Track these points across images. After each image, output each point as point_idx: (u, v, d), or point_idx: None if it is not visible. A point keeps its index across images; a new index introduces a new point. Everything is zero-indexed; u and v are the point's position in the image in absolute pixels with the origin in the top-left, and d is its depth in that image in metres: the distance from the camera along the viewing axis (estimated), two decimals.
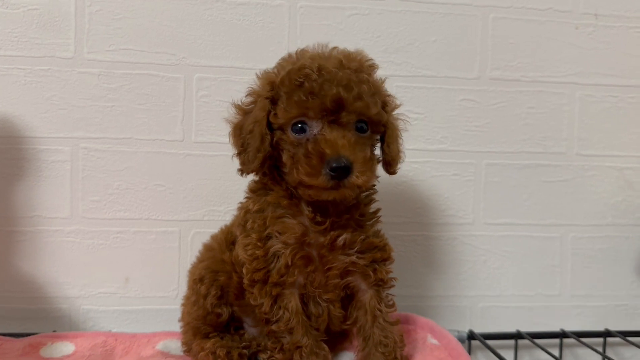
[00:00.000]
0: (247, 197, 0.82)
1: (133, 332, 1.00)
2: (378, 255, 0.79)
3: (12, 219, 1.04)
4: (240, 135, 0.77)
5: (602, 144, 1.17)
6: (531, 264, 1.17)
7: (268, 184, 0.78)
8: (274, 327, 0.76)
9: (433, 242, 1.14)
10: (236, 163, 0.78)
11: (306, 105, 0.70)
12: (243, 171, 0.78)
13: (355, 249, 0.77)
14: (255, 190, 0.80)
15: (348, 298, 0.80)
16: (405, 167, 0.83)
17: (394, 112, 0.80)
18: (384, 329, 0.78)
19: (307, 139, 0.71)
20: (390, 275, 0.80)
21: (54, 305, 1.06)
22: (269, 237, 0.76)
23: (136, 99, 1.06)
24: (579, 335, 1.10)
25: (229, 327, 0.87)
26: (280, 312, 0.75)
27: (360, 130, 0.73)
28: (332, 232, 0.75)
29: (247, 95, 0.78)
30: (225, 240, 0.85)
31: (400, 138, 0.80)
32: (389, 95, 0.79)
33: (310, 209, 0.75)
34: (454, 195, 1.14)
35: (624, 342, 1.10)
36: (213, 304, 0.84)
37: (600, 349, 1.10)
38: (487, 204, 1.15)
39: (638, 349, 1.06)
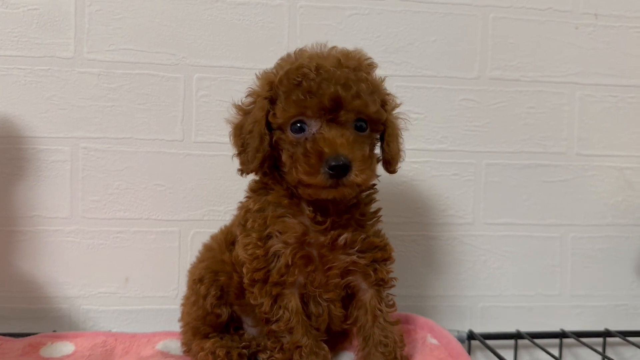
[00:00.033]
0: (247, 197, 0.82)
1: (133, 332, 1.00)
2: (379, 254, 0.79)
3: (12, 218, 1.04)
4: (240, 135, 0.77)
5: (602, 144, 1.17)
6: (531, 264, 1.17)
7: (269, 184, 0.78)
8: (274, 326, 0.76)
9: (433, 242, 1.14)
10: (236, 163, 0.78)
11: (304, 104, 0.70)
12: (243, 171, 0.78)
13: (356, 249, 0.77)
14: (255, 190, 0.80)
15: (348, 298, 0.81)
16: (405, 167, 0.83)
17: (394, 111, 0.79)
18: (384, 328, 0.78)
19: (306, 138, 0.71)
20: (391, 275, 0.80)
21: (54, 305, 1.06)
22: (269, 237, 0.76)
23: (136, 99, 1.06)
24: (578, 335, 1.10)
25: (229, 327, 0.87)
26: (280, 312, 0.75)
27: (359, 129, 0.73)
28: (332, 232, 0.75)
29: (247, 96, 0.79)
30: (225, 240, 0.85)
31: (401, 137, 0.80)
32: (388, 94, 0.79)
33: (310, 208, 0.75)
34: (454, 195, 1.14)
35: (624, 342, 1.10)
36: (212, 304, 0.84)
37: (600, 349, 1.10)
38: (487, 204, 1.15)
39: (638, 349, 1.06)
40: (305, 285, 0.77)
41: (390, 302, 0.80)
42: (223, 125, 0.80)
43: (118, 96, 1.06)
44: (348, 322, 0.81)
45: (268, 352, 0.78)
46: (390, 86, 0.80)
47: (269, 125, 0.75)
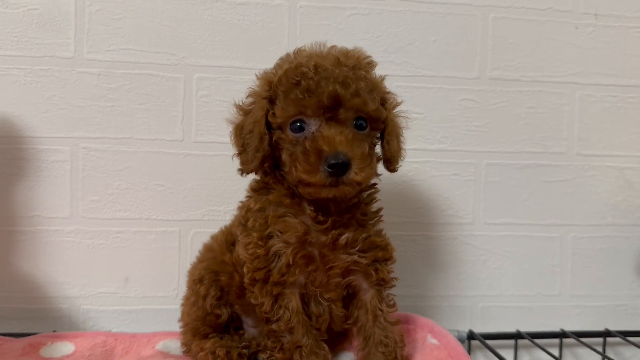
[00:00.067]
0: (248, 196, 0.82)
1: (133, 332, 1.00)
2: (380, 254, 0.78)
3: (12, 218, 1.04)
4: (241, 135, 0.77)
5: (602, 144, 1.17)
6: (531, 264, 1.17)
7: (270, 183, 0.78)
8: (274, 326, 0.76)
9: (433, 242, 1.14)
10: (236, 163, 0.78)
11: (303, 103, 0.70)
12: (243, 171, 0.78)
13: (357, 248, 0.77)
14: (256, 189, 0.80)
15: (349, 297, 0.80)
16: (405, 167, 0.83)
17: (394, 110, 0.79)
18: (384, 328, 0.78)
19: (305, 137, 0.71)
20: (392, 275, 0.80)
21: (54, 305, 1.06)
22: (270, 236, 0.75)
23: (136, 99, 1.06)
24: (578, 335, 1.10)
25: (229, 327, 0.87)
26: (281, 312, 0.75)
27: (359, 127, 0.73)
28: (333, 231, 0.75)
29: (247, 96, 0.79)
30: (226, 241, 0.85)
31: (402, 135, 0.80)
32: (388, 92, 0.79)
33: (312, 208, 0.75)
34: (454, 195, 1.14)
35: (624, 342, 1.10)
36: (212, 305, 0.84)
37: (600, 349, 1.10)
38: (487, 204, 1.15)
39: (638, 349, 1.06)
40: (305, 285, 0.77)
41: (391, 302, 0.80)
42: (223, 125, 0.80)
43: (118, 96, 1.05)
44: (349, 322, 0.81)
45: (268, 352, 0.78)
46: (390, 86, 0.80)
47: (269, 125, 0.75)
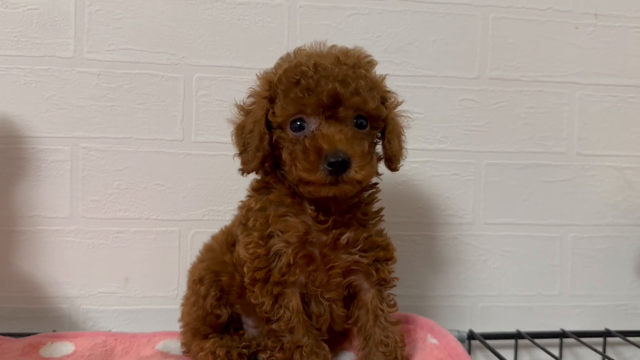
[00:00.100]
0: (248, 196, 0.81)
1: (133, 332, 1.00)
2: (381, 254, 0.78)
3: (11, 218, 1.04)
4: (242, 135, 0.77)
5: (602, 144, 1.17)
6: (531, 264, 1.17)
7: (270, 183, 0.78)
8: (274, 326, 0.75)
9: (433, 241, 1.14)
10: (235, 163, 0.78)
11: (303, 102, 0.70)
12: (244, 170, 0.78)
13: (358, 248, 0.76)
14: (257, 189, 0.80)
15: (349, 297, 0.80)
16: (405, 167, 0.83)
17: (395, 109, 0.79)
18: (385, 328, 0.78)
19: (305, 136, 0.71)
20: (392, 275, 0.80)
21: (54, 305, 1.06)
22: (270, 236, 0.75)
23: (136, 99, 1.06)
24: (579, 335, 1.10)
25: (229, 328, 0.87)
26: (281, 311, 0.75)
27: (359, 126, 0.73)
28: (334, 231, 0.75)
29: (248, 96, 0.79)
30: (226, 241, 0.85)
31: (403, 134, 0.80)
32: (388, 91, 0.78)
33: (312, 207, 0.75)
34: (454, 195, 1.14)
35: (624, 342, 1.10)
36: (212, 305, 0.84)
37: (600, 349, 1.10)
38: (487, 204, 1.15)
39: (638, 349, 1.06)
40: (306, 285, 0.77)
41: (392, 302, 0.80)
42: (223, 125, 0.80)
43: (118, 96, 1.05)
44: (349, 322, 0.81)
45: (268, 351, 0.78)
46: (390, 86, 0.80)
47: (269, 124, 0.75)
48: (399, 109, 0.80)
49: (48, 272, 1.05)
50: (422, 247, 1.14)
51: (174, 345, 0.94)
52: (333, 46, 0.76)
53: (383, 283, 0.79)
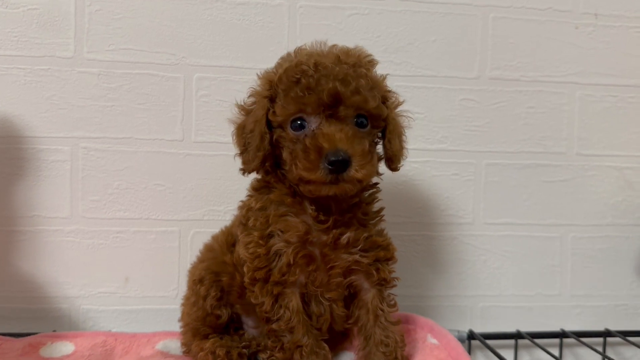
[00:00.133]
0: (249, 195, 0.81)
1: (133, 332, 1.00)
2: (381, 254, 0.78)
3: (11, 218, 1.04)
4: (243, 135, 0.77)
5: (602, 144, 1.17)
6: (531, 264, 1.17)
7: (271, 182, 0.78)
8: (274, 326, 0.75)
9: (433, 241, 1.14)
10: (236, 162, 0.79)
11: (303, 101, 0.70)
12: (245, 170, 0.78)
13: (359, 248, 0.76)
14: (258, 189, 0.80)
15: (349, 297, 0.80)
16: (405, 167, 0.82)
17: (396, 109, 0.79)
18: (385, 328, 0.78)
19: (306, 135, 0.71)
20: (393, 275, 0.80)
21: (54, 305, 1.06)
22: (271, 235, 0.75)
23: (136, 99, 1.06)
24: (579, 335, 1.10)
25: (229, 328, 0.87)
26: (281, 311, 0.75)
27: (360, 125, 0.72)
28: (335, 231, 0.75)
29: (249, 96, 0.79)
30: (226, 242, 0.85)
31: (404, 134, 0.80)
32: (389, 91, 0.78)
33: (313, 207, 0.75)
34: (454, 195, 1.14)
35: (624, 342, 1.10)
36: (212, 305, 0.84)
37: (600, 349, 1.10)
38: (487, 204, 1.15)
39: (638, 349, 1.06)
40: (306, 285, 0.77)
41: (392, 302, 0.80)
42: (223, 125, 0.80)
43: (118, 96, 1.05)
44: (349, 322, 0.81)
45: (268, 351, 0.78)
46: (390, 86, 0.80)
47: (270, 124, 0.75)
48: (399, 108, 0.80)
49: (48, 272, 1.05)
50: (422, 247, 1.14)
51: (174, 345, 0.94)
52: (334, 45, 0.76)
53: (383, 283, 0.79)
